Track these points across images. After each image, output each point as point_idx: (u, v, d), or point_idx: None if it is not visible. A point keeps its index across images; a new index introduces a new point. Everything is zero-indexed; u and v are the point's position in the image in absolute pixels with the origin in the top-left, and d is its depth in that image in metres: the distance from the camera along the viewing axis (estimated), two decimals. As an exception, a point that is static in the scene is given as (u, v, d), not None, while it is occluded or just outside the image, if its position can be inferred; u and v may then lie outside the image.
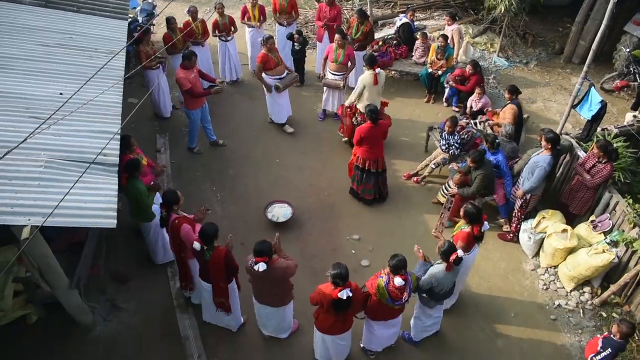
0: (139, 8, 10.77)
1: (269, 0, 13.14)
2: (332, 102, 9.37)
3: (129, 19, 8.58)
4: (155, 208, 6.26)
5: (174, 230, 5.67)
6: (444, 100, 10.07)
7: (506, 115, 8.13)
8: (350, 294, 4.90)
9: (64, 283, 5.59)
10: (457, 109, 9.82)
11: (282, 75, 8.79)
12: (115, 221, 4.65)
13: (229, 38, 9.96)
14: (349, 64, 8.94)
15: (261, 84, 8.87)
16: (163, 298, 6.52)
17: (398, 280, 5.03)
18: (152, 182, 6.43)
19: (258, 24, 10.14)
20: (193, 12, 9.45)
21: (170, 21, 9.16)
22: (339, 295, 4.88)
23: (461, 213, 5.78)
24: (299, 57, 10.17)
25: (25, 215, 4.53)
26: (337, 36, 8.77)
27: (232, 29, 9.94)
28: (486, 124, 8.59)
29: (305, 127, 9.49)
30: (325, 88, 9.28)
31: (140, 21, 10.18)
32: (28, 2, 7.29)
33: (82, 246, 6.30)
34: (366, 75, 7.98)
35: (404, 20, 10.64)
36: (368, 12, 11.39)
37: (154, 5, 10.92)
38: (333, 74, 9.00)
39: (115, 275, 6.71)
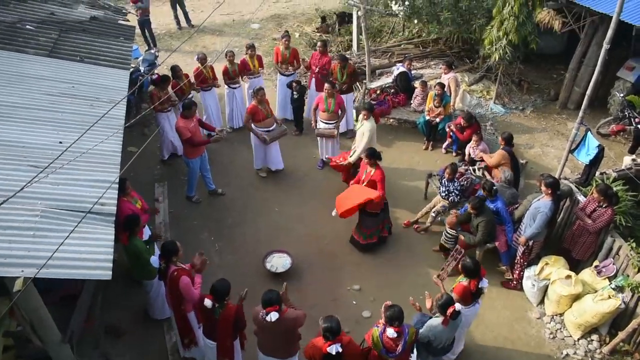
0: (141, 58, 11.01)
1: (267, 51, 13.63)
2: (327, 151, 9.45)
3: (131, 69, 8.79)
4: (154, 259, 6.18)
5: (173, 283, 5.57)
6: (443, 147, 10.13)
7: (493, 157, 8.34)
8: (340, 349, 4.75)
9: (56, 337, 5.43)
10: (455, 155, 9.91)
11: (271, 128, 8.88)
12: (111, 272, 4.58)
13: (236, 86, 10.22)
14: (340, 112, 9.09)
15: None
16: (159, 353, 6.35)
17: (390, 332, 4.91)
18: (146, 226, 6.33)
19: (261, 69, 10.42)
20: (202, 59, 9.71)
21: (175, 69, 9.39)
22: (328, 350, 4.74)
23: (459, 267, 5.76)
24: (297, 105, 10.35)
25: (19, 266, 4.45)
26: (326, 86, 8.94)
27: (241, 76, 10.26)
28: (485, 170, 8.67)
29: (304, 175, 9.53)
30: (318, 138, 9.39)
31: (142, 71, 10.40)
32: (33, 52, 7.45)
33: (75, 299, 6.18)
34: (373, 123, 8.17)
35: (401, 69, 10.85)
36: (366, 62, 11.69)
37: (156, 55, 11.19)
38: (325, 123, 9.12)
39: (110, 328, 6.55)
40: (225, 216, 8.52)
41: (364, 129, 8.21)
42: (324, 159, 9.58)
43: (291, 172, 9.51)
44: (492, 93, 11.64)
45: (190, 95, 9.51)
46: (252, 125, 8.75)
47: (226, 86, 10.23)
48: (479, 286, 5.68)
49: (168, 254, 5.64)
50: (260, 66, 10.51)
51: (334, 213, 7.66)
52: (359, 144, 8.31)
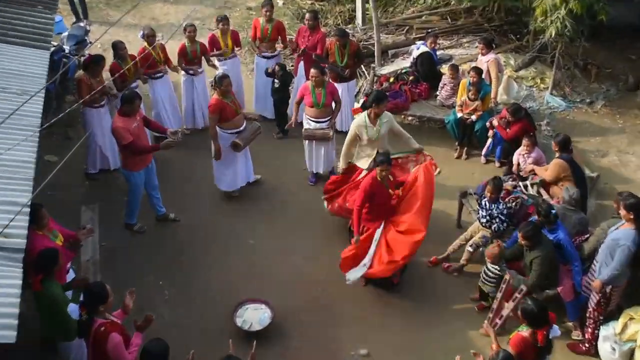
0: (65, 34, 11.00)
1: (239, 24, 13.59)
2: (319, 160, 9.43)
3: (53, 48, 8.67)
4: (73, 308, 6.11)
5: (98, 342, 5.50)
6: (482, 154, 10.15)
7: (549, 169, 8.38)
8: None
9: None
10: (498, 165, 9.92)
11: (241, 127, 8.87)
12: (15, 333, 4.56)
13: (199, 70, 10.24)
14: (334, 104, 9.15)
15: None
16: None
17: None
18: (70, 267, 6.38)
19: (238, 49, 10.58)
20: (149, 36, 9.70)
21: (117, 47, 9.40)
22: None
23: (518, 312, 5.77)
24: (279, 98, 10.35)
25: None
26: (313, 71, 8.98)
27: (203, 59, 10.33)
28: (541, 187, 8.67)
29: (290, 194, 9.49)
30: (307, 142, 9.37)
31: (67, 50, 10.35)
32: None
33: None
34: (360, 119, 8.24)
35: (423, 49, 10.88)
36: (374, 39, 11.64)
37: (87, 29, 11.10)
38: (315, 121, 9.15)
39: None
40: (180, 252, 8.46)
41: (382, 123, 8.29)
42: (318, 172, 9.58)
43: (272, 190, 9.48)
44: (548, 81, 11.68)
45: (133, 85, 9.48)
46: (218, 129, 8.71)
47: (183, 72, 10.24)
48: (549, 337, 5.67)
49: (93, 302, 5.59)
50: (237, 45, 10.61)
51: (350, 278, 7.62)
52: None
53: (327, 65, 9.89)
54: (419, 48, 10.99)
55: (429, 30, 12.31)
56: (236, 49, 10.68)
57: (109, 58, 9.61)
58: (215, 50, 10.41)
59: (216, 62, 10.50)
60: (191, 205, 9.19)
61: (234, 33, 10.56)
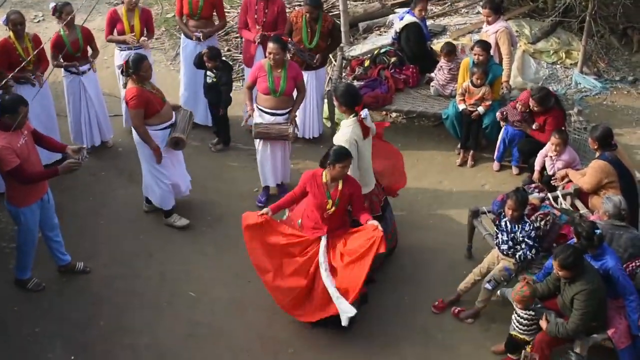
0: None
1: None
2: (276, 170, 9.54)
3: None
4: None
5: None
6: (495, 159, 10.24)
7: (587, 175, 8.51)
8: None
9: None
10: (516, 172, 10.07)
11: (173, 120, 8.98)
12: None
13: (84, 68, 10.16)
14: (295, 92, 9.28)
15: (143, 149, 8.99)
16: None
17: None
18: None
19: (144, 39, 10.44)
20: (16, 22, 9.56)
21: None
22: None
23: None
24: (214, 95, 10.33)
25: None
26: (271, 46, 8.98)
27: (91, 51, 10.22)
28: (576, 198, 8.75)
29: (239, 226, 9.40)
30: (259, 142, 9.44)
31: None
32: None
33: None
34: (352, 128, 8.07)
35: (409, 18, 10.87)
36: (340, 8, 11.74)
37: None
38: (271, 113, 9.26)
39: None
40: (93, 314, 8.42)
41: (344, 132, 8.17)
42: (273, 184, 9.70)
43: (215, 222, 9.56)
44: (576, 54, 11.81)
45: (11, 87, 9.39)
46: (148, 126, 8.79)
47: (63, 71, 10.16)
48: None
49: None
50: (149, 30, 10.61)
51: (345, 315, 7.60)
52: None
53: (290, 47, 9.92)
54: (403, 18, 10.96)
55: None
56: (143, 37, 10.45)
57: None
58: (116, 33, 10.36)
59: (117, 52, 10.52)
60: (105, 246, 9.20)
61: (146, 12, 10.55)
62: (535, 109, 9.51)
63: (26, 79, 9.63)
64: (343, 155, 7.64)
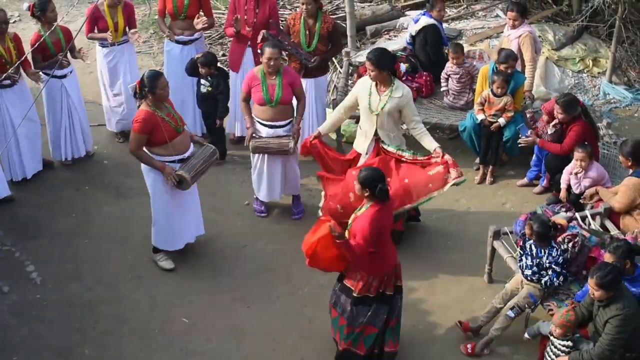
0: None
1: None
2: (274, 184, 9.59)
3: None
4: None
5: None
6: (526, 177, 10.32)
7: (619, 193, 8.56)
8: None
9: None
10: (538, 191, 10.05)
11: (187, 153, 8.76)
12: None
13: (66, 71, 10.23)
14: (294, 101, 9.30)
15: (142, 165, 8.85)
16: None
17: None
18: None
19: (134, 31, 10.59)
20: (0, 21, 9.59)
21: None
22: None
23: None
24: (210, 106, 10.37)
25: None
26: (267, 52, 8.94)
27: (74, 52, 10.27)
28: (606, 219, 8.76)
29: (236, 247, 9.55)
30: (256, 158, 9.45)
31: None
32: None
33: None
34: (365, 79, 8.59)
35: (425, 20, 10.91)
36: (346, 10, 11.73)
37: None
38: (270, 125, 9.28)
39: None
40: (77, 341, 8.39)
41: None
42: (267, 200, 9.75)
43: (210, 241, 9.58)
44: (605, 62, 11.83)
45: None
46: (151, 154, 8.55)
47: (42, 74, 10.07)
48: None
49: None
50: (132, 25, 10.66)
51: None
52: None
53: (288, 48, 9.97)
54: (418, 20, 11.00)
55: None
56: (133, 30, 10.62)
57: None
58: (96, 30, 10.38)
59: (99, 50, 10.61)
60: (90, 268, 9.21)
61: (128, 6, 10.57)
62: (560, 116, 9.46)
63: (9, 77, 9.61)
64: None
